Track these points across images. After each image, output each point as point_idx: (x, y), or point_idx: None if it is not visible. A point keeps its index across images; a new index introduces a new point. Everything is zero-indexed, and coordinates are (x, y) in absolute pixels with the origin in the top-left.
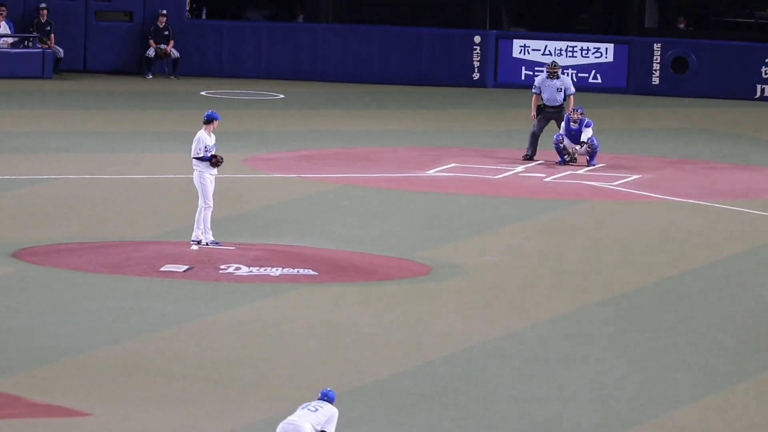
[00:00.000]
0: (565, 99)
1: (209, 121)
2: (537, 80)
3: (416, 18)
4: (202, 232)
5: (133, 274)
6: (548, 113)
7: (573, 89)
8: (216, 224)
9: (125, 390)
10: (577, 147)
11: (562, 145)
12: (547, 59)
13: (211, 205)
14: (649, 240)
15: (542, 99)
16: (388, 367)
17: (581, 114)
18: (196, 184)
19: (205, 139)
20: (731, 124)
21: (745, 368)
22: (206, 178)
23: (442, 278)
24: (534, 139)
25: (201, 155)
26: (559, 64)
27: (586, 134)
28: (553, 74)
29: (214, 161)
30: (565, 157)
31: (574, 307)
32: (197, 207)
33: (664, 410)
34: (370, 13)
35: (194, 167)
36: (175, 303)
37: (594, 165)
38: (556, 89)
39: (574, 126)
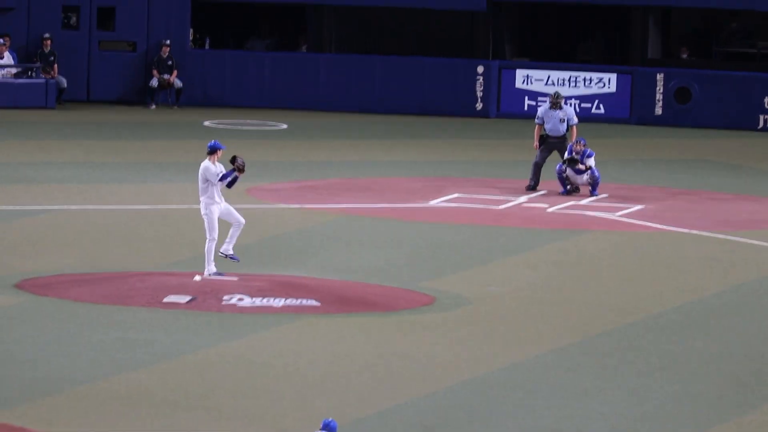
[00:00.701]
0: (568, 129)
1: (213, 151)
2: (540, 111)
3: (419, 48)
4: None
5: (136, 305)
6: (551, 143)
7: (576, 119)
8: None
9: (129, 421)
10: (581, 167)
11: (565, 174)
12: (550, 89)
13: (215, 238)
14: (651, 270)
15: (545, 129)
16: (390, 398)
17: (584, 146)
18: (203, 216)
19: (211, 168)
20: (734, 154)
21: (749, 399)
22: (213, 210)
23: (446, 309)
24: (537, 169)
25: (220, 177)
26: (562, 94)
27: (588, 163)
28: (555, 105)
29: (237, 165)
30: (568, 187)
31: (578, 338)
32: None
33: None
34: (373, 42)
35: (201, 198)
36: (178, 334)
37: (597, 195)
38: (558, 120)
39: (576, 157)
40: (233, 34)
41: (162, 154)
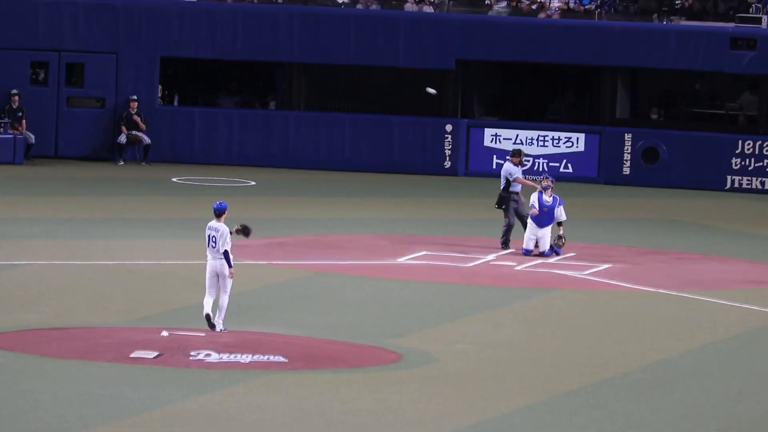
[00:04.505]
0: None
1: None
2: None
3: (388, 106)
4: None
5: (102, 361)
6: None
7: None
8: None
9: None
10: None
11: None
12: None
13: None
14: (619, 330)
15: (513, 189)
16: None
17: (552, 181)
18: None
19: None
20: (702, 214)
21: None
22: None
23: (413, 366)
24: (508, 230)
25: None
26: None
27: (559, 213)
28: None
29: (241, 231)
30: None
31: (545, 397)
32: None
33: None
34: (342, 100)
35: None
36: (144, 389)
37: (560, 255)
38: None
39: (548, 202)
40: (202, 91)
41: (130, 210)
